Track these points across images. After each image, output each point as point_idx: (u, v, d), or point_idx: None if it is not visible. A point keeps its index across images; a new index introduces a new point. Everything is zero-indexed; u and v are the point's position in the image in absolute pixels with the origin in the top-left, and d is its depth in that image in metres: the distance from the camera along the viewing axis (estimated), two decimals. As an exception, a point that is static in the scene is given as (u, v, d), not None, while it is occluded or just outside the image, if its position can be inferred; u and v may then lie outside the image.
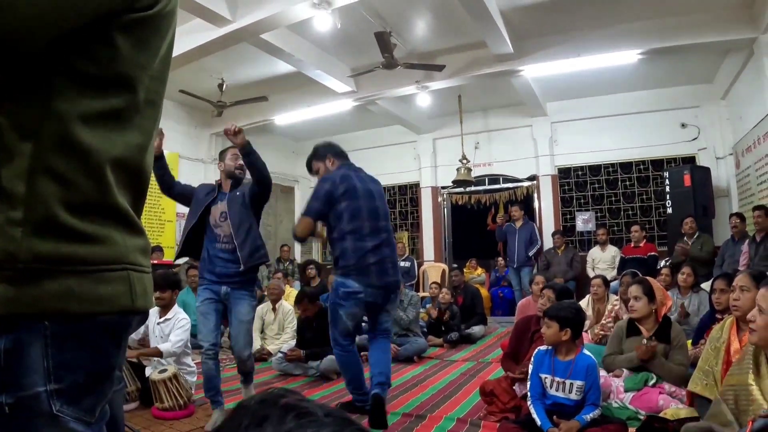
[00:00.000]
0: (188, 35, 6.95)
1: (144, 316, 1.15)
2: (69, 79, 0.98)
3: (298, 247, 12.46)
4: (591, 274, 8.83)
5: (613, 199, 10.53)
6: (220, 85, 9.00)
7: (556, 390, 3.40)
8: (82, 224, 0.99)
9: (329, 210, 3.98)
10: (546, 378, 3.46)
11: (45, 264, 0.95)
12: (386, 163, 12.38)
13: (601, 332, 5.16)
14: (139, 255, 1.10)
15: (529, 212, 10.91)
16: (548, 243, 10.23)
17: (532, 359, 3.58)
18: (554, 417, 3.30)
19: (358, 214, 3.98)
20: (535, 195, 11.13)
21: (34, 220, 0.94)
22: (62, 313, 0.97)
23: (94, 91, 1.00)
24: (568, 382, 3.37)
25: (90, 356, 1.02)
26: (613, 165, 10.52)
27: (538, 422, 3.32)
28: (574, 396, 3.35)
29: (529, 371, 3.57)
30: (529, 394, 3.51)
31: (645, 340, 3.92)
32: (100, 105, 1.01)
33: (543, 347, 3.59)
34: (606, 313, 5.45)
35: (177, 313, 4.82)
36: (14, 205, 0.94)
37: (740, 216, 7.44)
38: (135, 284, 1.08)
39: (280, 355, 5.81)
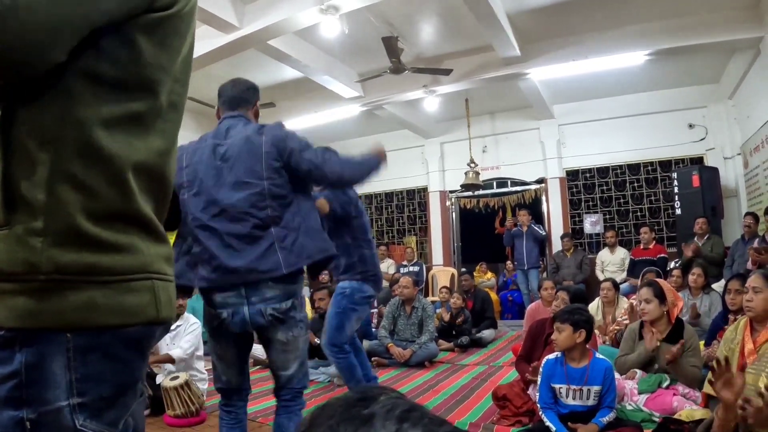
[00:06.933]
0: (196, 42, 6.88)
1: (168, 325, 1.12)
2: (89, 83, 0.94)
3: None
4: (600, 276, 8.77)
5: (622, 201, 10.46)
6: (227, 92, 8.97)
7: (573, 398, 3.37)
8: (105, 233, 0.96)
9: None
10: (561, 388, 3.41)
11: (67, 275, 0.92)
12: (394, 168, 12.24)
13: (617, 327, 5.13)
14: (163, 263, 1.07)
15: (538, 215, 10.86)
16: (557, 246, 10.19)
17: (542, 369, 3.53)
18: (568, 423, 3.29)
19: (368, 225, 4.14)
20: (543, 198, 11.06)
21: (56, 229, 0.91)
22: (85, 326, 0.94)
23: (115, 95, 0.97)
24: (585, 388, 3.34)
25: (114, 369, 0.99)
26: (621, 167, 10.45)
27: (553, 429, 3.29)
28: (591, 402, 3.33)
29: (539, 381, 3.54)
30: (538, 405, 3.48)
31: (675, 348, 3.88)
32: (121, 109, 0.98)
33: (552, 355, 3.55)
34: (622, 311, 5.43)
35: (187, 318, 4.83)
36: (34, 215, 0.91)
37: (754, 216, 7.37)
38: (160, 294, 1.05)
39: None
